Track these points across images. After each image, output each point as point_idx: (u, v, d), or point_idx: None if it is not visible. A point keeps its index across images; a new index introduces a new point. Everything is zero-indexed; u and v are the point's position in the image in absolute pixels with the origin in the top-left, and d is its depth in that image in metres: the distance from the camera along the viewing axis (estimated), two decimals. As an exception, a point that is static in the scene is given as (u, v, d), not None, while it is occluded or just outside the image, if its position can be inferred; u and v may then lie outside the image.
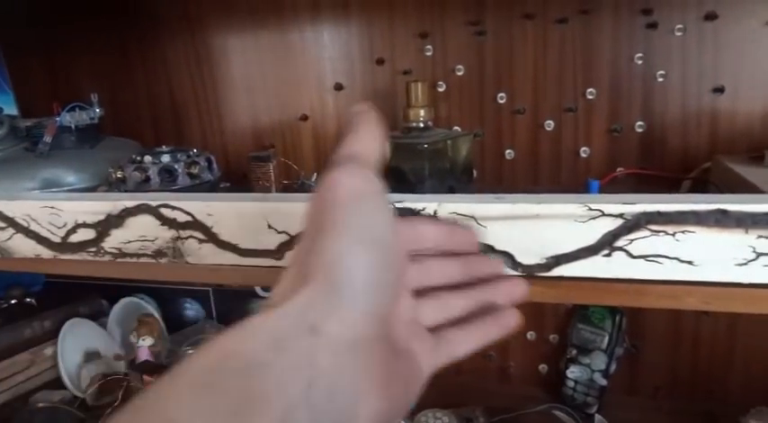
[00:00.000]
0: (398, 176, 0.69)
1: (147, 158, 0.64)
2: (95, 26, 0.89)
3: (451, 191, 0.69)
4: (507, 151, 0.76)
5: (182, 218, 0.50)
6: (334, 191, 0.27)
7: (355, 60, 0.79)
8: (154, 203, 0.50)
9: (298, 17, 0.79)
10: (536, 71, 0.73)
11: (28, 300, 0.90)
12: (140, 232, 0.51)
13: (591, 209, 0.40)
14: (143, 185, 0.63)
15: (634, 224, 0.40)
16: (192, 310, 0.98)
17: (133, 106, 0.91)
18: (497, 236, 0.42)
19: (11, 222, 0.54)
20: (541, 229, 0.41)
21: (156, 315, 0.94)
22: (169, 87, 0.89)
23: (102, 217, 0.52)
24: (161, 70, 0.88)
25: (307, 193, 0.72)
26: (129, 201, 0.51)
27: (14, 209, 0.54)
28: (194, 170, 0.65)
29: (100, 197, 0.52)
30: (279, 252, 0.48)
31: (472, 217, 0.42)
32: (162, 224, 0.50)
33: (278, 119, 0.84)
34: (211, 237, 0.50)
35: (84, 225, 0.53)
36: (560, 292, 0.43)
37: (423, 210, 0.43)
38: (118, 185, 0.65)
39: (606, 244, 0.40)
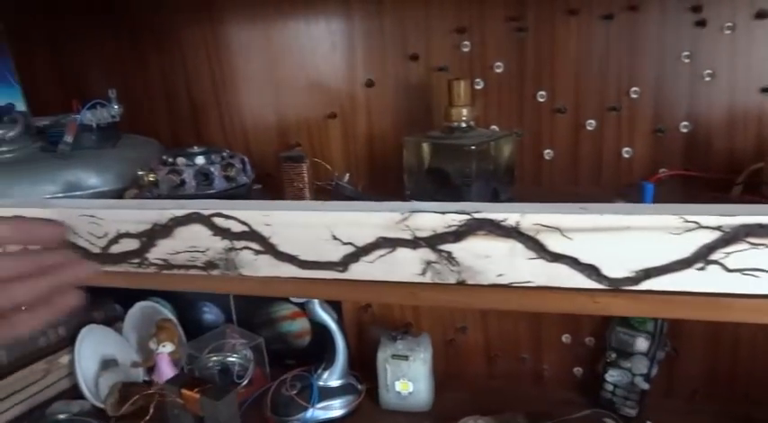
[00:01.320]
0: (441, 178, 0.67)
1: (181, 160, 0.61)
2: (106, 15, 0.85)
3: (495, 193, 0.67)
4: (546, 151, 0.75)
5: (236, 228, 0.47)
6: None
7: (388, 56, 0.76)
8: (206, 212, 0.47)
9: (327, 9, 0.76)
10: (578, 69, 0.71)
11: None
12: (190, 243, 0.48)
13: (687, 221, 0.38)
14: (177, 189, 0.60)
15: (732, 237, 0.38)
16: (210, 313, 0.95)
17: (147, 102, 0.87)
18: (582, 248, 0.40)
19: (46, 232, 0.51)
20: (630, 242, 0.40)
21: (175, 320, 0.90)
22: (186, 81, 0.85)
23: (147, 226, 0.49)
24: (178, 63, 0.84)
25: (354, 199, 0.70)
26: (177, 209, 0.48)
27: (51, 217, 0.51)
28: (230, 172, 0.62)
29: (145, 206, 0.49)
30: (343, 264, 0.46)
31: (557, 229, 0.40)
32: (214, 234, 0.48)
33: (304, 116, 0.81)
34: (269, 248, 0.47)
35: (128, 235, 0.50)
36: (648, 306, 0.42)
37: (504, 221, 0.41)
38: (149, 189, 0.62)
39: (701, 257, 0.39)
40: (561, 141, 0.74)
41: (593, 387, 0.81)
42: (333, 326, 0.79)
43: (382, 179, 0.79)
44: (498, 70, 0.73)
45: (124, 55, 0.86)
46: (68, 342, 0.84)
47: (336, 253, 0.46)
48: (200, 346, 0.88)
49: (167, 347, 0.86)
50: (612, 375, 0.77)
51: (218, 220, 0.47)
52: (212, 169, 0.61)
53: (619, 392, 0.77)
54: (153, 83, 0.86)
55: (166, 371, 0.86)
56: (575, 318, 0.81)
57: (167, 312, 0.94)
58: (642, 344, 0.74)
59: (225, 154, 0.64)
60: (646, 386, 0.74)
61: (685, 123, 0.69)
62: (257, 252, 0.47)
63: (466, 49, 0.74)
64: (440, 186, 0.67)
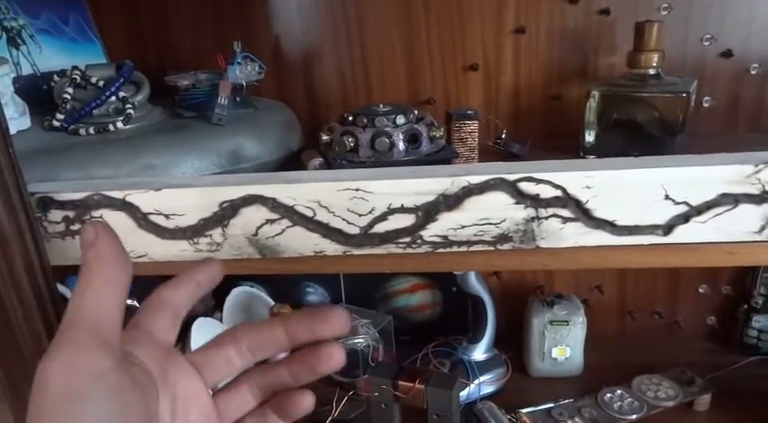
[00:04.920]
0: (632, 131, 0.63)
1: (382, 121, 0.53)
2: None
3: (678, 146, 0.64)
4: (705, 98, 0.72)
5: (547, 193, 0.41)
6: (41, 389, 0.23)
7: (542, -2, 0.70)
8: (511, 177, 0.41)
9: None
10: (750, 11, 0.68)
11: (128, 302, 0.74)
12: (483, 214, 0.42)
13: None
14: (385, 155, 0.52)
15: None
16: (315, 293, 0.87)
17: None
18: None
19: (288, 212, 0.42)
20: None
21: (287, 306, 0.82)
22: (303, 28, 0.74)
23: (430, 198, 0.42)
24: (293, 6, 0.73)
25: (522, 158, 0.64)
26: (472, 176, 0.41)
27: (297, 194, 0.42)
28: (437, 133, 0.55)
29: (431, 173, 0.41)
30: (667, 227, 0.42)
31: None
32: (516, 202, 0.41)
33: (439, 68, 0.74)
34: (583, 213, 0.41)
35: (402, 209, 0.42)
36: None
37: None
38: (344, 155, 0.53)
39: None
40: (722, 87, 0.72)
41: (730, 335, 0.82)
42: (486, 297, 0.75)
43: (528, 135, 0.74)
44: (664, 12, 0.69)
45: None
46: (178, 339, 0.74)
47: (663, 215, 0.41)
48: (320, 330, 0.81)
49: (287, 335, 0.78)
50: (759, 321, 0.78)
51: (526, 186, 0.41)
52: (421, 129, 0.53)
53: (764, 337, 0.79)
54: (258, 32, 0.74)
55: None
56: (713, 268, 0.82)
57: (268, 298, 0.85)
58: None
59: (414, 113, 0.56)
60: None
61: None
62: (566, 219, 0.42)
63: (629, -10, 0.69)
64: (630, 140, 0.64)
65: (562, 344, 0.76)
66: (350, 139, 0.52)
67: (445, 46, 0.73)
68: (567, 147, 0.67)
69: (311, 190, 0.42)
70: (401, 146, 0.53)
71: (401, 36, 0.73)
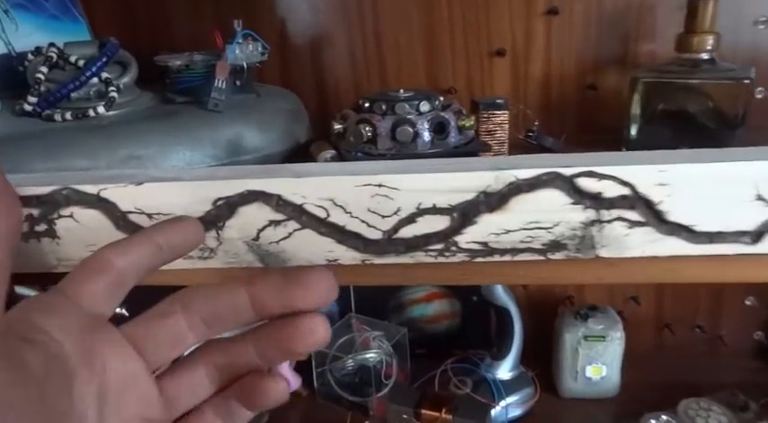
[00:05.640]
0: (683, 122, 0.56)
1: (403, 108, 0.46)
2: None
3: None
4: (758, 89, 0.65)
5: (612, 191, 0.34)
6: None
7: (578, -24, 0.63)
8: (568, 172, 0.33)
9: None
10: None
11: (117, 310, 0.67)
12: (532, 216, 0.35)
13: None
14: (409, 146, 0.45)
15: None
16: (322, 303, 0.80)
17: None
18: None
19: (296, 212, 0.35)
20: None
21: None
22: (311, 9, 0.67)
23: (468, 196, 0.34)
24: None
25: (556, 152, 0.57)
26: (521, 170, 0.33)
27: (307, 191, 0.35)
28: (466, 123, 0.47)
29: (471, 166, 0.34)
30: (757, 234, 0.34)
31: None
32: (574, 203, 0.34)
33: (462, 53, 0.67)
34: (654, 216, 0.34)
35: (434, 210, 0.35)
36: None
37: None
38: (359, 147, 0.46)
39: None
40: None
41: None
42: (513, 308, 0.67)
43: (559, 129, 0.67)
44: (716, -9, 0.62)
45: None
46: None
47: (753, 219, 0.34)
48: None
49: (291, 349, 0.71)
50: (816, 337, 0.71)
51: (586, 182, 0.34)
52: (448, 117, 0.46)
53: (821, 355, 0.71)
54: (257, 12, 0.67)
55: (289, 380, 0.71)
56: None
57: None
58: None
59: (439, 100, 0.49)
60: None
61: None
62: (633, 224, 0.34)
63: (676, -34, 0.62)
64: (680, 133, 0.56)
65: (597, 362, 0.69)
66: (367, 129, 0.45)
67: (469, 28, 0.66)
68: (605, 141, 0.59)
69: (325, 185, 0.35)
70: (426, 136, 0.46)
71: (420, 17, 0.66)
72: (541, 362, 0.76)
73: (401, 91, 0.49)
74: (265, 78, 0.65)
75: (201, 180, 0.35)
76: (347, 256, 0.36)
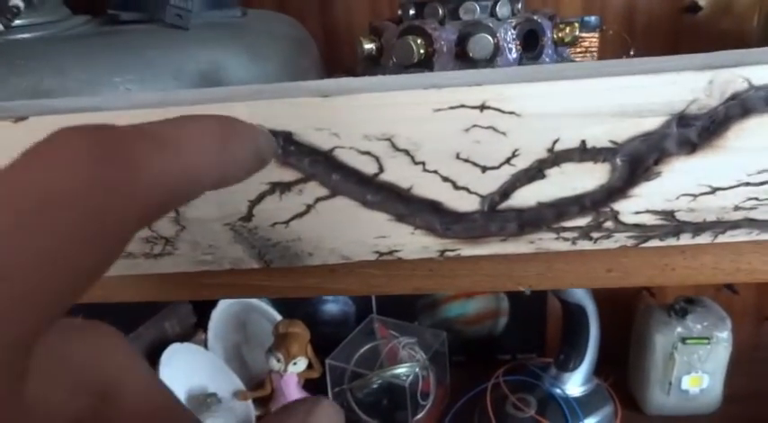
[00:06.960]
0: None
1: (473, 9, 0.29)
2: None
3: None
4: None
5: None
6: None
7: None
8: None
9: None
10: None
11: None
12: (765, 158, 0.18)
13: None
14: (488, 64, 0.29)
15: None
16: (336, 303, 0.64)
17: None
18: None
19: (320, 165, 0.19)
20: None
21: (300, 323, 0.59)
22: None
23: (654, 123, 0.18)
24: None
25: None
26: (759, 67, 0.17)
27: (341, 121, 0.18)
28: (565, 36, 0.31)
29: (651, 66, 0.18)
30: None
31: None
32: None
33: None
34: None
35: (582, 153, 0.18)
36: None
37: None
38: (408, 70, 0.30)
39: None
40: None
41: None
42: (590, 306, 0.52)
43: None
44: None
45: None
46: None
47: None
48: (345, 355, 0.58)
49: (300, 364, 0.55)
50: None
51: None
52: (544, 25, 0.30)
53: None
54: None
55: (295, 398, 0.56)
56: None
57: (272, 310, 0.62)
58: None
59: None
60: None
61: None
62: None
63: None
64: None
65: (698, 370, 0.53)
66: (419, 41, 0.28)
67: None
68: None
69: (376, 112, 0.18)
70: (513, 51, 0.29)
71: None
72: (614, 368, 0.60)
73: None
74: (253, 2, 0.48)
75: (147, 108, 0.19)
76: (414, 244, 0.20)
